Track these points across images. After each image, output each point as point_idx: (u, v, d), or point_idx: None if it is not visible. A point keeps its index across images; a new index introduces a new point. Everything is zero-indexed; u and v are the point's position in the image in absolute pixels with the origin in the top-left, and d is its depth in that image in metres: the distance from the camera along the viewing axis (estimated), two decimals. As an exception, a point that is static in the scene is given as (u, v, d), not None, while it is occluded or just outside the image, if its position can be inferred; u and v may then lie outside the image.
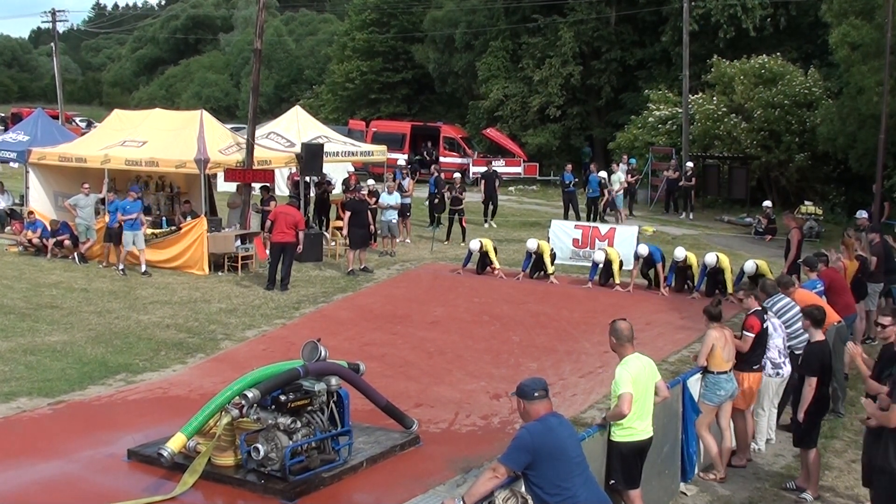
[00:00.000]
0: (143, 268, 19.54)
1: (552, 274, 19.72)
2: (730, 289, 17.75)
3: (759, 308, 10.07)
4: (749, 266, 17.83)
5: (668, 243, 24.28)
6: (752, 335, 9.72)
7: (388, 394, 10.50)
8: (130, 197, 19.66)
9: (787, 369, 10.39)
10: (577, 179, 30.05)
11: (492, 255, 20.20)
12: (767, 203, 27.07)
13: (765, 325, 9.88)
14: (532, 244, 19.84)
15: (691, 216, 31.68)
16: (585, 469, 6.25)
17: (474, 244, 20.24)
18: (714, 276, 18.37)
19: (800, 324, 10.47)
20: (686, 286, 18.80)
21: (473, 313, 17.06)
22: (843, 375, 11.81)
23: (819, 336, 9.21)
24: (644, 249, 18.76)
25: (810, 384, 8.91)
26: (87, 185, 20.42)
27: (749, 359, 9.77)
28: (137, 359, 13.39)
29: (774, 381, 10.29)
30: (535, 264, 19.98)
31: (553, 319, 16.61)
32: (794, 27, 37.66)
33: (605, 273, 19.28)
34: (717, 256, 18.35)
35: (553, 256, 20.19)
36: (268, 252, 20.13)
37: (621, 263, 19.45)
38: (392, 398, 10.47)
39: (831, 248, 15.42)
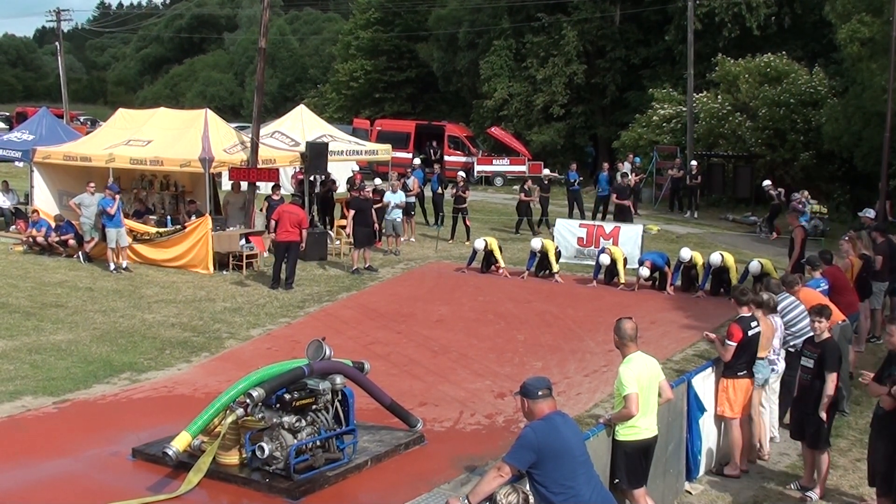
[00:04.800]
0: (124, 263, 19.64)
1: (557, 272, 19.70)
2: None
3: (748, 315, 9.72)
4: (754, 266, 17.81)
5: (672, 242, 24.32)
6: (733, 344, 9.44)
7: (392, 392, 10.50)
8: (108, 194, 19.58)
9: (780, 366, 10.37)
10: (581, 178, 30.00)
11: (497, 253, 20.19)
12: (767, 182, 26.99)
13: (749, 333, 9.53)
14: (536, 243, 19.83)
15: (696, 215, 31.64)
16: (590, 468, 6.25)
17: (479, 243, 20.20)
18: (719, 274, 18.34)
19: (803, 322, 10.49)
20: (692, 286, 18.79)
21: (478, 312, 17.06)
22: (847, 374, 11.80)
23: (827, 333, 9.23)
24: (645, 272, 18.57)
25: (832, 380, 8.86)
26: (92, 185, 20.42)
27: (733, 365, 9.55)
28: (142, 357, 13.40)
29: (769, 378, 10.26)
30: (540, 263, 19.97)
31: (558, 318, 16.60)
32: (798, 26, 37.64)
33: (609, 271, 19.26)
34: (722, 256, 18.32)
35: (558, 255, 20.18)
36: (269, 249, 20.18)
37: (625, 261, 19.44)
38: (397, 397, 10.47)
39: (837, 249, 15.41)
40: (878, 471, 8.20)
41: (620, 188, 26.81)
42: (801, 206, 24.51)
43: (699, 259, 18.79)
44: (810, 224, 23.30)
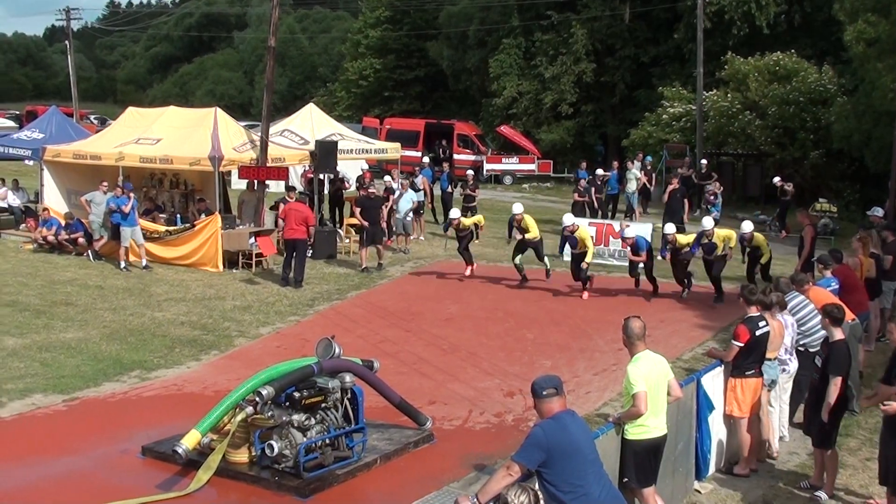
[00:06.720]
0: (144, 262, 19.69)
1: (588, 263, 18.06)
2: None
3: (756, 315, 9.60)
4: (746, 225, 17.45)
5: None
6: (739, 345, 9.36)
7: (401, 391, 10.50)
8: (123, 193, 19.62)
9: (793, 366, 10.33)
10: (591, 177, 29.95)
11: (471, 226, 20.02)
12: (777, 178, 27.00)
13: (757, 333, 9.41)
14: (517, 207, 18.77)
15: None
16: (599, 467, 6.24)
17: (454, 213, 20.00)
18: (753, 253, 17.76)
19: (813, 321, 10.44)
20: (685, 282, 18.24)
21: (487, 310, 17.05)
22: (857, 374, 11.75)
23: (840, 335, 9.09)
24: (630, 232, 18.12)
25: (836, 384, 8.78)
26: (105, 183, 20.48)
27: (741, 365, 9.47)
28: (152, 356, 13.43)
29: (781, 378, 10.23)
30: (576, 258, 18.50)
31: (567, 317, 16.58)
32: (808, 24, 37.56)
33: (576, 260, 18.20)
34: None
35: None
36: (277, 248, 20.20)
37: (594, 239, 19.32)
38: (406, 395, 10.47)
39: (844, 251, 15.34)
40: (891, 469, 8.15)
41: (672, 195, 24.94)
42: (713, 197, 24.35)
43: (683, 241, 17.77)
44: (820, 223, 23.19)
